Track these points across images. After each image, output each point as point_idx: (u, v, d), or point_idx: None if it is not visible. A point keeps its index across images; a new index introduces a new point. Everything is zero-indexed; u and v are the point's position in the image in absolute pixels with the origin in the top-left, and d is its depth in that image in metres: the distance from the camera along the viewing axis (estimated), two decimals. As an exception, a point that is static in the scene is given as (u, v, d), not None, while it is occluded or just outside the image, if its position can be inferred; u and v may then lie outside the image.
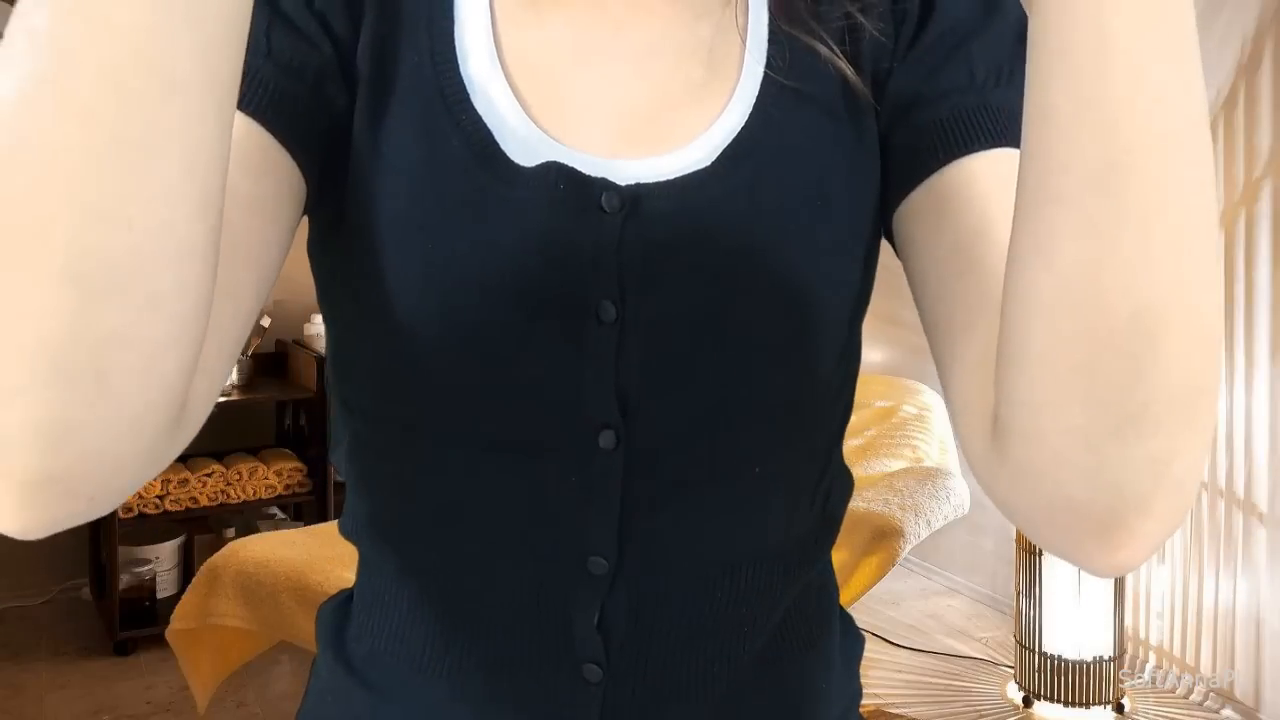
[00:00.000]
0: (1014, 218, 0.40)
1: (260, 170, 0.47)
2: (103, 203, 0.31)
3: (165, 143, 0.32)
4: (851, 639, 0.67)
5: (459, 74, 0.53)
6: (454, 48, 0.54)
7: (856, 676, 0.67)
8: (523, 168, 0.51)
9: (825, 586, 0.64)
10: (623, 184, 0.51)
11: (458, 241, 0.51)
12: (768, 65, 0.54)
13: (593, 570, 0.55)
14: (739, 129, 0.53)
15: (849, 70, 0.54)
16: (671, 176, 0.52)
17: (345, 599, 0.65)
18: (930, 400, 2.85)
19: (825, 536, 0.62)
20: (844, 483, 0.63)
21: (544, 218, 0.51)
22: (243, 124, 0.47)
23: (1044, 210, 0.38)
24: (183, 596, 2.01)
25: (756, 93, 0.54)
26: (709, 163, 0.52)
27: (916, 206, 0.53)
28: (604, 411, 0.53)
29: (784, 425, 0.56)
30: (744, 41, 0.55)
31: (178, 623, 1.99)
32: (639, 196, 0.51)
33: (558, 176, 0.51)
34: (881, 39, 0.55)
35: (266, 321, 3.20)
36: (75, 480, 0.34)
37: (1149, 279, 0.36)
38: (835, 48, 0.54)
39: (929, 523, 2.23)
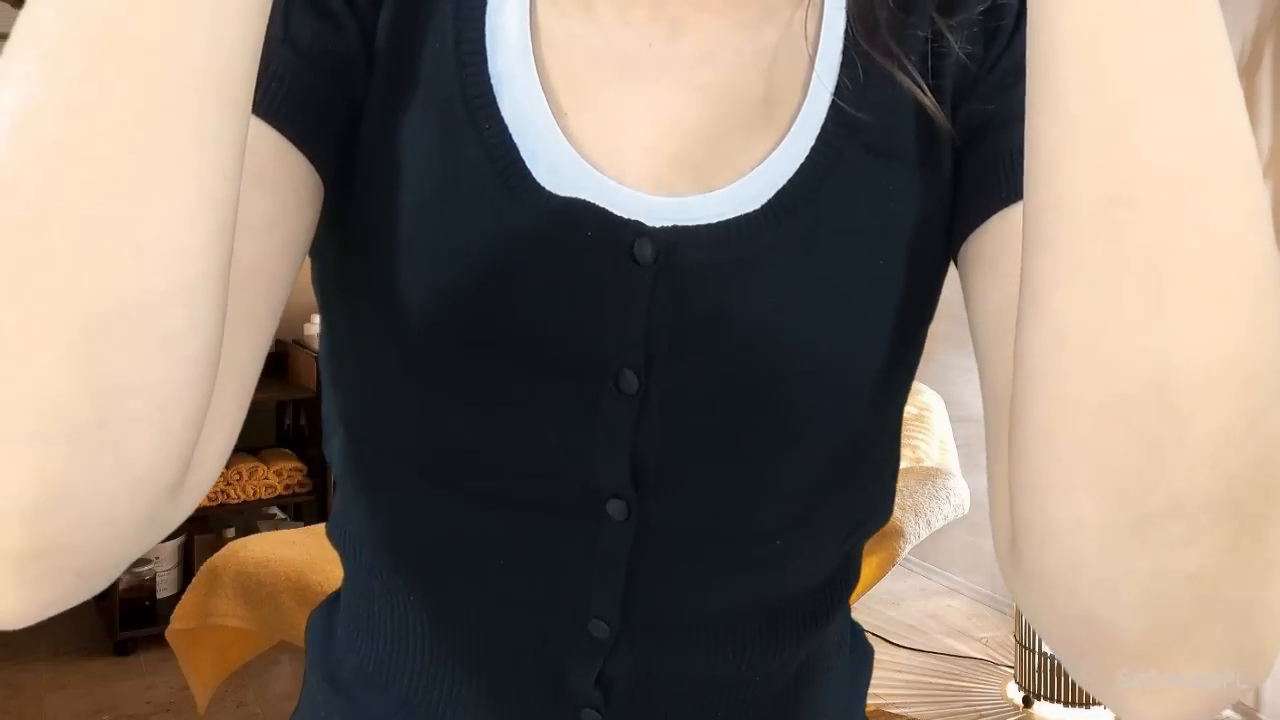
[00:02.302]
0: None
1: (276, 183, 0.41)
2: (111, 228, 0.28)
3: (178, 161, 0.29)
4: (860, 653, 0.63)
5: (486, 70, 0.46)
6: (483, 36, 0.46)
7: (862, 696, 0.63)
8: (548, 195, 0.45)
9: (842, 624, 0.60)
10: (659, 226, 0.45)
11: (465, 273, 0.45)
12: (836, 92, 0.47)
13: (594, 633, 0.50)
14: (798, 167, 0.46)
15: (931, 104, 0.46)
16: (715, 220, 0.45)
17: (333, 601, 0.61)
18: (930, 400, 2.85)
19: (847, 581, 0.58)
20: (880, 519, 0.57)
21: (566, 262, 0.45)
22: (256, 129, 0.40)
23: (1036, 257, 0.32)
24: (183, 596, 2.01)
25: (821, 122, 0.46)
26: (759, 205, 0.45)
27: (974, 251, 0.45)
28: (615, 483, 0.47)
29: (814, 501, 0.51)
30: (812, 57, 0.47)
31: (178, 623, 1.99)
32: (676, 245, 0.45)
33: (587, 217, 0.44)
34: (967, 62, 0.47)
35: (266, 321, 3.20)
36: (67, 553, 0.29)
37: (1165, 342, 0.29)
38: (917, 76, 0.46)
39: (929, 523, 2.23)
